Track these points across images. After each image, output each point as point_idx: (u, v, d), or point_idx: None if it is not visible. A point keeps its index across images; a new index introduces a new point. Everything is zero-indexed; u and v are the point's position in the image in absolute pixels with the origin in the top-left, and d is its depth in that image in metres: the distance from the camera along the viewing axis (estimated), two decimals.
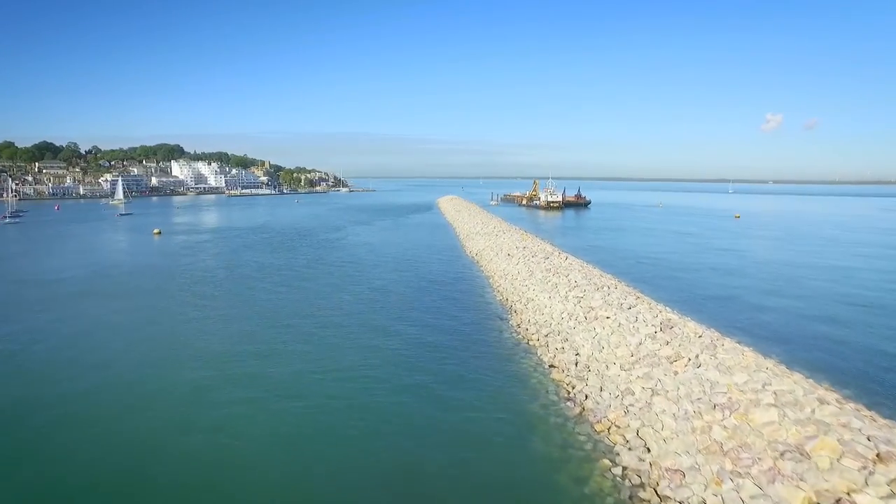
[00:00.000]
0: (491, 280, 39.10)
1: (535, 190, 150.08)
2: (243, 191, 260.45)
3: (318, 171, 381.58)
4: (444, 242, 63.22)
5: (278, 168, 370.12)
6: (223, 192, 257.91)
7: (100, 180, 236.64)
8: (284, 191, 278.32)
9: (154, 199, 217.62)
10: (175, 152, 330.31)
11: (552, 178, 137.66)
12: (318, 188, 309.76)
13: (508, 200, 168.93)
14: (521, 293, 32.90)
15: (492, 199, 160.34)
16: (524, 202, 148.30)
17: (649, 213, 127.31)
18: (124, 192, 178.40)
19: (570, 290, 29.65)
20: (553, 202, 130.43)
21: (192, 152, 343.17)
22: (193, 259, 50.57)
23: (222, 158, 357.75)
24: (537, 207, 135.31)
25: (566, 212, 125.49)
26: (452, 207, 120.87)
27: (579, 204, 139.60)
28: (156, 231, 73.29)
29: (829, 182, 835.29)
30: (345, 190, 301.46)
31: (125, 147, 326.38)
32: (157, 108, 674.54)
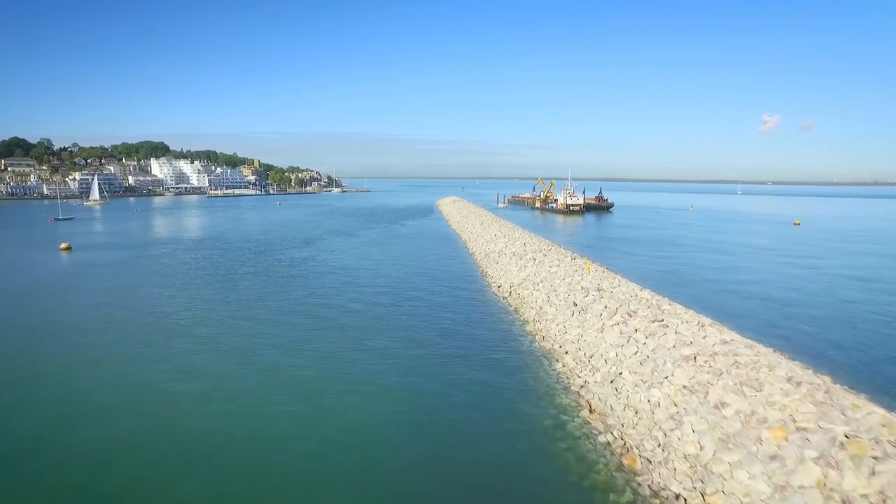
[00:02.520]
0: (559, 366, 20.39)
1: (549, 191, 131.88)
2: (226, 191, 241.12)
3: (311, 171, 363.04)
4: (454, 266, 44.50)
5: (269, 167, 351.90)
6: (206, 193, 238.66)
7: (67, 179, 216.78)
8: (271, 191, 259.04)
9: (131, 199, 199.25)
10: (159, 150, 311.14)
11: (572, 179, 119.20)
12: (308, 188, 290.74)
13: (517, 202, 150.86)
14: (664, 435, 14.16)
15: (499, 202, 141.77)
16: (537, 205, 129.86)
17: (685, 217, 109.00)
18: (100, 192, 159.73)
19: (822, 461, 10.91)
20: (573, 205, 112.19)
21: (179, 150, 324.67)
22: (65, 300, 31.75)
23: (210, 157, 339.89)
24: (553, 211, 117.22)
25: (586, 216, 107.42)
26: (456, 211, 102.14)
27: (601, 207, 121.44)
28: (64, 246, 54.41)
29: (827, 183, 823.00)
30: (337, 190, 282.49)
31: (107, 145, 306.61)
32: (153, 108, 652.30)
